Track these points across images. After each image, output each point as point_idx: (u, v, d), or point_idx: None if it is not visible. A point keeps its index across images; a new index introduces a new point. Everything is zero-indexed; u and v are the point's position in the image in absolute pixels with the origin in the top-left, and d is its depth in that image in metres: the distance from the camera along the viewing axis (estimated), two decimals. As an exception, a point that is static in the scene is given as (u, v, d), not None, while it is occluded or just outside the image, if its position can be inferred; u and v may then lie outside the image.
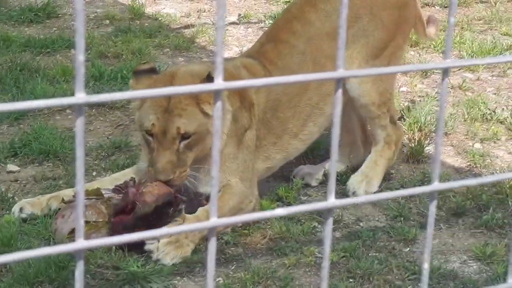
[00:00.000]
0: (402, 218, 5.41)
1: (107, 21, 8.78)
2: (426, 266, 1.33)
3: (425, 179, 5.81)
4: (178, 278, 4.71)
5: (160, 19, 8.99)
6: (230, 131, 5.22)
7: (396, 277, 4.79)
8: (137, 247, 4.80)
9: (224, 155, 5.18)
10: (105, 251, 4.70)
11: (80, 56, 1.09)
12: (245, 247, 5.01)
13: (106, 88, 6.99)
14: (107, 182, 5.27)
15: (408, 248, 5.11)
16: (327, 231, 1.28)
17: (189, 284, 4.67)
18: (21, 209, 5.13)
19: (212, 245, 1.26)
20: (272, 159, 5.59)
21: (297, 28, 5.64)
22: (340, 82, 1.29)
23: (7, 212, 5.16)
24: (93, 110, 6.65)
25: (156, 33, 8.48)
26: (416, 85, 7.52)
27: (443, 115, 1.35)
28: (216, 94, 1.19)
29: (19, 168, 5.76)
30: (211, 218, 1.26)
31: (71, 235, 4.76)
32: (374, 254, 4.99)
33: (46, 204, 5.14)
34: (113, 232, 4.75)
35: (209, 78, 4.80)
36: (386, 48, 5.73)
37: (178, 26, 8.86)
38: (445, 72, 1.39)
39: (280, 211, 1.33)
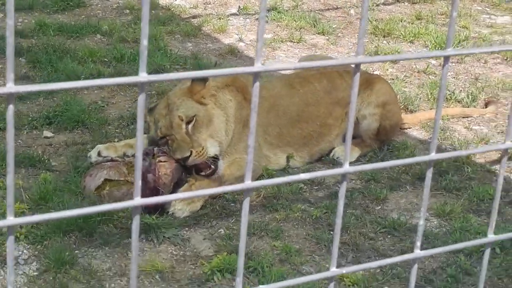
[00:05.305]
0: (374, 181, 5.44)
1: (127, 11, 8.74)
2: (421, 222, 1.34)
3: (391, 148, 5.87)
4: (187, 229, 4.72)
5: (172, 9, 8.95)
6: (236, 118, 5.31)
7: (370, 230, 4.82)
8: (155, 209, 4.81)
9: (233, 136, 5.26)
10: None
11: (144, 41, 1.10)
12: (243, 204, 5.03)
13: (127, 68, 6.97)
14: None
15: (380, 206, 5.13)
16: (342, 191, 1.29)
17: (195, 234, 4.68)
18: (99, 153, 5.17)
19: (246, 204, 1.27)
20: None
21: (314, 78, 5.91)
22: (359, 66, 1.29)
23: (44, 171, 5.17)
24: (115, 86, 6.64)
25: (168, 22, 8.45)
26: (387, 69, 7.53)
27: (443, 94, 1.36)
28: (255, 76, 1.20)
29: (53, 134, 5.76)
30: (246, 181, 1.28)
31: (97, 191, 4.78)
32: (351, 211, 5.01)
33: (121, 150, 5.21)
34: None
35: (193, 79, 5.11)
36: None
37: (188, 16, 8.82)
38: (446, 59, 1.40)
39: (304, 175, 1.34)
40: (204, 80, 5.17)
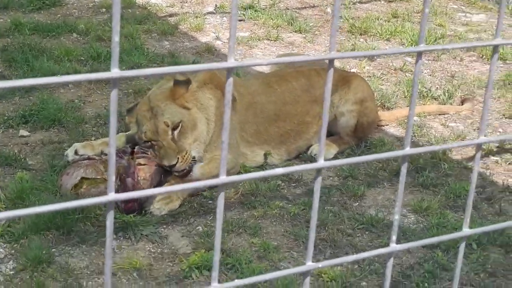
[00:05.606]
0: (352, 178, 5.45)
1: (104, 9, 8.71)
2: (396, 216, 1.34)
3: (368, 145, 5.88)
4: (164, 226, 4.71)
5: (148, 8, 8.93)
6: (216, 116, 5.29)
7: (347, 226, 4.82)
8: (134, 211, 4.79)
9: (213, 134, 5.25)
10: (103, 205, 4.69)
11: (115, 37, 1.09)
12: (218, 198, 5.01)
13: (103, 66, 6.95)
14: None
15: (357, 203, 5.14)
16: (317, 186, 1.29)
17: (173, 231, 4.67)
18: (75, 151, 5.18)
19: (221, 199, 1.26)
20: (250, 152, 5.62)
21: (291, 77, 5.89)
22: (332, 62, 1.29)
23: (20, 170, 5.14)
24: (92, 85, 6.61)
25: (145, 20, 8.42)
26: (364, 67, 7.54)
27: (416, 90, 1.36)
28: (229, 71, 1.20)
29: (29, 133, 5.72)
30: (221, 176, 1.27)
31: (74, 189, 4.75)
32: (329, 207, 5.01)
33: (98, 148, 5.24)
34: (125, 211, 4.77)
35: (176, 81, 5.14)
36: None
37: (164, 14, 8.79)
38: (419, 55, 1.40)
39: (280, 170, 1.33)
40: (186, 83, 5.16)
